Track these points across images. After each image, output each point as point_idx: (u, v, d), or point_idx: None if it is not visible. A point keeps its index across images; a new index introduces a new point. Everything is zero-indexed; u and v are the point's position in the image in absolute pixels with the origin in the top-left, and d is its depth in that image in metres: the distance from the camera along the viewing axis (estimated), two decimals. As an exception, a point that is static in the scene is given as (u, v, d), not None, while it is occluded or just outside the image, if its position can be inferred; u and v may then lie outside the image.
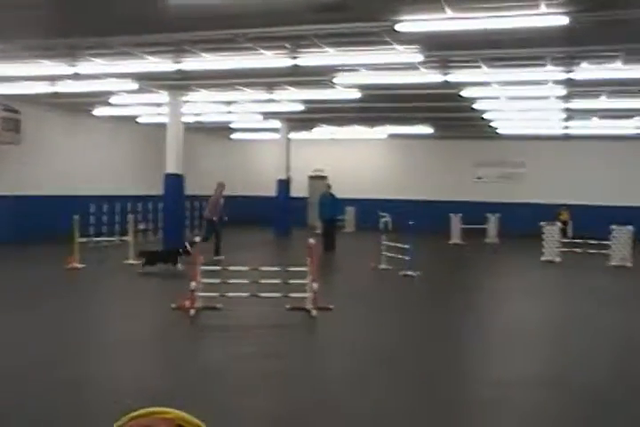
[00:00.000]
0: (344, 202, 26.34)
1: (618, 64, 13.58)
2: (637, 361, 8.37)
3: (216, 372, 7.24)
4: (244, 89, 18.28)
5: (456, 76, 15.18)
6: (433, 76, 15.26)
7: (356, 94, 17.83)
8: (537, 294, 13.66)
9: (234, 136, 31.69)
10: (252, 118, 24.25)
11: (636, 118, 22.02)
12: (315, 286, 10.18)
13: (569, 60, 13.76)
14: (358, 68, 14.86)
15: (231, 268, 11.05)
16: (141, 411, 1.40)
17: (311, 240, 10.58)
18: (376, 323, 10.33)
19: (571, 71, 14.30)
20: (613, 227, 18.63)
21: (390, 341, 9.13)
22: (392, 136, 29.70)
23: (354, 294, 13.06)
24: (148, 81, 16.96)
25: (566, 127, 24.84)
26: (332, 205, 21.06)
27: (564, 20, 10.06)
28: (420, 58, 13.17)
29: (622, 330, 10.26)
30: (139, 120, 24.81)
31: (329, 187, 21.89)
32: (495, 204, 28.05)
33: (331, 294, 11.78)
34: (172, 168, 18.61)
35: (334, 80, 15.76)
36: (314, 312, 10.14)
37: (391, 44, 12.48)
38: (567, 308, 12.28)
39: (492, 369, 7.70)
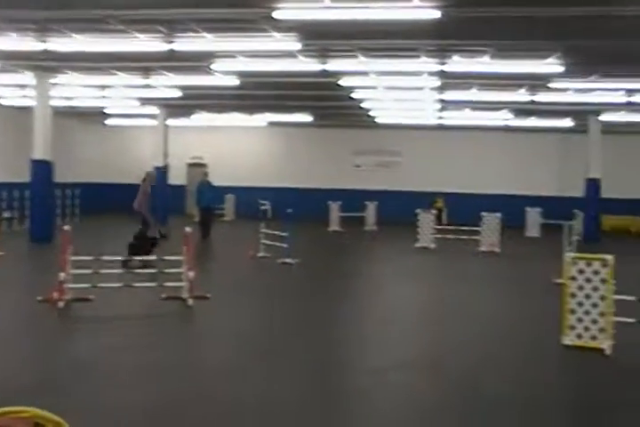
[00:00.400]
0: (223, 190, 26.15)
1: (486, 58, 14.14)
2: (504, 342, 8.79)
3: (85, 365, 6.98)
4: (119, 73, 17.68)
5: (334, 65, 15.31)
6: (311, 65, 15.33)
7: (235, 81, 17.67)
8: (411, 280, 14.07)
9: (109, 122, 30.66)
10: (127, 104, 23.53)
11: (505, 111, 23.04)
12: (191, 274, 10.04)
13: (441, 53, 14.18)
14: (236, 54, 14.71)
15: (104, 257, 10.69)
16: None
17: (187, 228, 10.40)
18: (254, 311, 10.31)
19: (443, 63, 14.76)
20: (484, 214, 19.48)
21: (268, 329, 9.13)
22: (272, 124, 29.68)
23: (231, 282, 12.98)
24: (12, 60, 16.08)
25: (440, 118, 25.68)
26: (209, 193, 20.83)
27: (435, 14, 10.35)
28: (298, 46, 13.19)
29: (491, 312, 10.74)
30: (2, 102, 23.49)
31: (206, 174, 21.63)
32: (373, 192, 28.67)
33: (208, 282, 11.65)
34: (39, 154, 17.78)
35: (212, 66, 15.54)
36: (190, 301, 10.00)
37: (269, 32, 12.43)
38: (440, 292, 12.72)
39: (370, 356, 7.85)
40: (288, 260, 15.10)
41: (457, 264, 16.76)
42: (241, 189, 29.37)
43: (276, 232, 15.86)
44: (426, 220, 19.60)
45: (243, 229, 22.64)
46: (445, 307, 11.19)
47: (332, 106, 23.26)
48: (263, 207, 17.96)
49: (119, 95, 21.52)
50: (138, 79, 18.11)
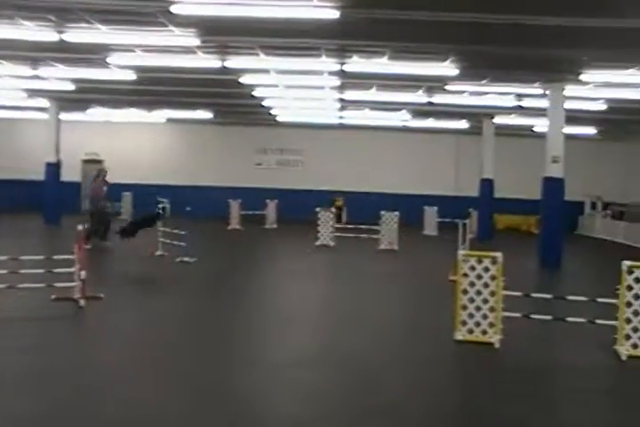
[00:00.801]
0: (121, 187, 25.48)
1: (385, 59, 14.36)
2: (400, 338, 8.95)
3: (-35, 371, 6.63)
4: (3, 62, 16.77)
5: (234, 62, 15.17)
6: (211, 62, 15.14)
7: (132, 76, 17.22)
8: (311, 278, 14.12)
9: (-5, 114, 29.19)
10: (14, 96, 22.40)
11: (403, 111, 23.50)
12: (82, 274, 9.70)
13: (341, 53, 14.30)
14: (134, 48, 14.33)
15: (-12, 257, 10.18)
16: None
17: (80, 227, 10.04)
18: (147, 312, 10.07)
19: (343, 63, 14.88)
20: (382, 213, 19.80)
21: (163, 329, 8.94)
22: (171, 120, 29.16)
23: (126, 281, 12.64)
24: None
25: (341, 117, 25.94)
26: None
27: (334, 14, 10.41)
28: (197, 42, 12.99)
29: (388, 309, 10.92)
30: None
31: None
32: (274, 190, 28.63)
33: (102, 282, 11.31)
34: None
35: (108, 60, 15.08)
36: (82, 302, 9.66)
37: (167, 26, 12.17)
38: (338, 289, 12.83)
39: (268, 353, 7.81)
40: (186, 258, 14.86)
41: (356, 262, 16.95)
42: (139, 187, 28.69)
43: (174, 230, 15.58)
44: (326, 218, 19.74)
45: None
46: (344, 304, 11.28)
47: (232, 104, 23.07)
48: (161, 205, 17.57)
49: (4, 86, 20.36)
50: (25, 70, 17.25)
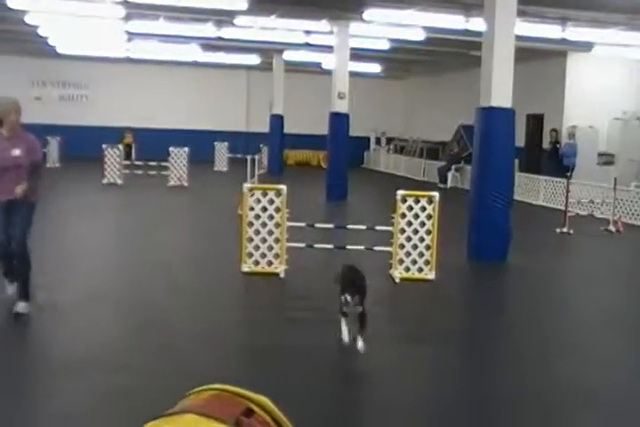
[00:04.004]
0: None
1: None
2: (189, 271, 9.00)
3: None
4: None
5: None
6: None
7: None
8: (97, 215, 13.69)
9: None
10: None
11: (193, 44, 22.91)
12: None
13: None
14: None
15: None
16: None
17: None
18: None
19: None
20: (172, 149, 19.45)
21: None
22: None
23: None
24: None
25: (128, 50, 24.76)
26: None
27: None
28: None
29: (177, 243, 10.91)
30: None
31: None
32: (57, 126, 26.93)
33: None
34: None
35: None
36: None
37: None
38: (127, 225, 12.60)
39: (58, 290, 7.52)
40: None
41: (145, 199, 16.62)
42: None
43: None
44: (113, 155, 19.03)
45: None
46: (132, 241, 11.10)
47: (1, 30, 21.07)
48: None
49: None
50: None
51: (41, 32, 20.42)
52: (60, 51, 24.88)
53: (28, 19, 17.99)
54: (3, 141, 6.34)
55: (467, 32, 15.70)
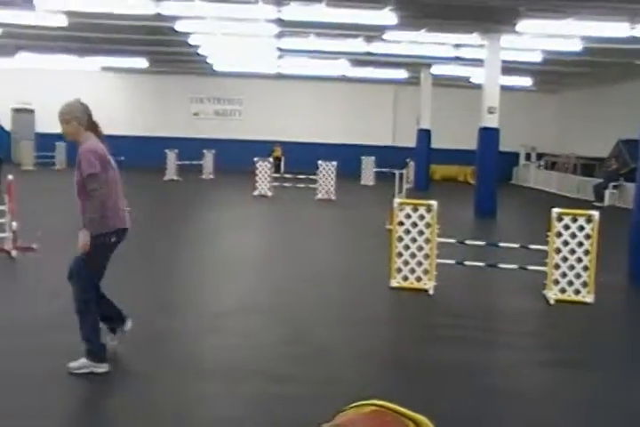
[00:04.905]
0: (56, 138, 24.75)
1: (323, 6, 14.15)
2: (337, 286, 9.09)
3: None
4: None
5: (169, 8, 14.71)
6: (144, 8, 14.65)
7: (63, 21, 16.53)
8: (249, 227, 14.15)
9: None
10: None
11: (342, 60, 23.31)
12: (14, 224, 9.49)
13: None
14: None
15: None
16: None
17: (10, 176, 9.77)
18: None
19: (280, 11, 14.60)
20: (320, 162, 19.82)
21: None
22: (106, 69, 28.28)
23: (61, 233, 12.41)
24: None
25: (279, 66, 25.57)
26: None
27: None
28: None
29: (326, 258, 11.06)
30: None
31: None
32: (212, 140, 28.26)
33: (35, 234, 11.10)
34: None
35: (34, 2, 14.42)
36: (14, 253, 9.47)
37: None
38: (277, 238, 12.92)
39: (210, 301, 7.85)
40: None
41: (294, 212, 17.01)
42: (72, 137, 27.87)
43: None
44: (264, 168, 19.66)
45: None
46: (282, 253, 11.36)
47: (168, 51, 22.48)
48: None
49: None
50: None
51: (201, 51, 21.53)
52: (216, 68, 26.10)
53: (191, 40, 19.05)
54: None
55: (632, 39, 14.93)
